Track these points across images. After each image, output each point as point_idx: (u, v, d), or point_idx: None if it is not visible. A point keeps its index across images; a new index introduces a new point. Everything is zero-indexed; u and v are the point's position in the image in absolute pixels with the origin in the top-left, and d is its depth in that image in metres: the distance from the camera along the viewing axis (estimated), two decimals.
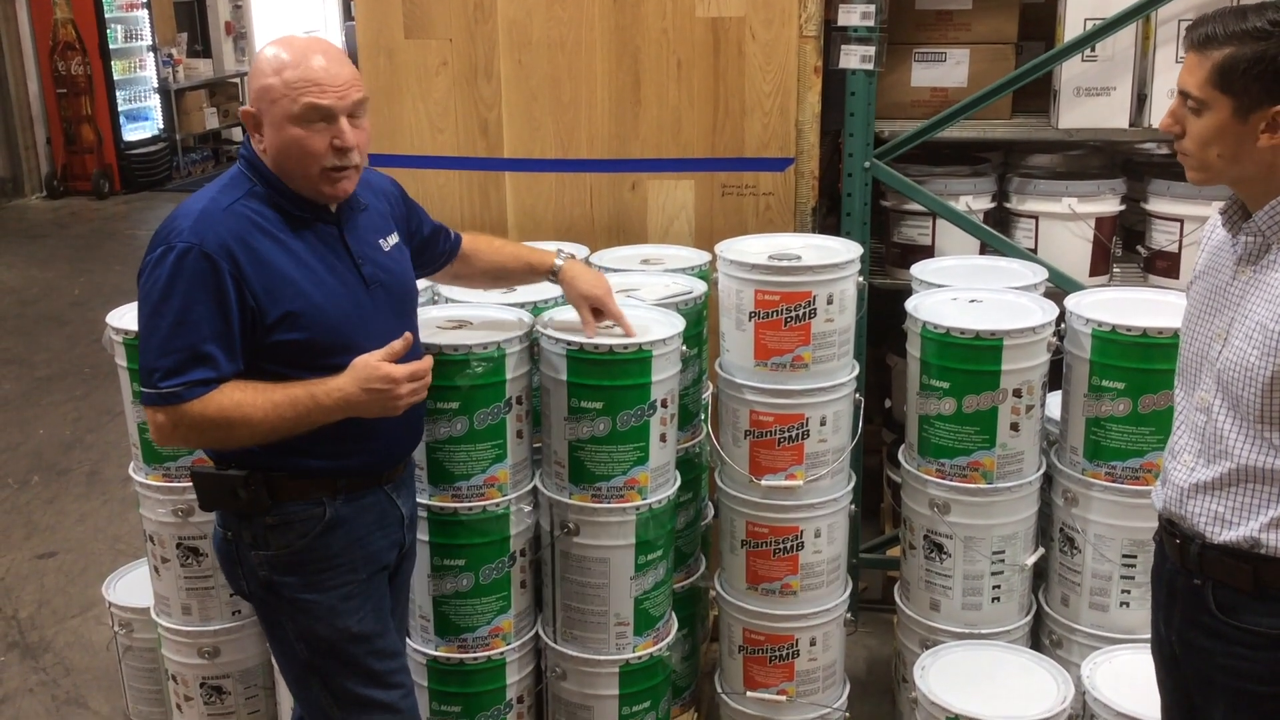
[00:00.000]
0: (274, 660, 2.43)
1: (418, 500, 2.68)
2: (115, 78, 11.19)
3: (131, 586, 3.33)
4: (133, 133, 11.52)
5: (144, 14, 11.67)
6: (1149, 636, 2.78)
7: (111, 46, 11.15)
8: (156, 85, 11.86)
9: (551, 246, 2.77)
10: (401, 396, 2.14)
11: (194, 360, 2.04)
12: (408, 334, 2.17)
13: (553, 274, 2.65)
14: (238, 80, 13.32)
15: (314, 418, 2.11)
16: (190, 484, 2.88)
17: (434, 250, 2.56)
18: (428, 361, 2.22)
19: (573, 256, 2.69)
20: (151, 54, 11.81)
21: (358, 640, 2.30)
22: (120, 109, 11.29)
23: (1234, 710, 1.92)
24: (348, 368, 2.12)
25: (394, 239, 2.37)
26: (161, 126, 11.91)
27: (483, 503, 2.70)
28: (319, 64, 2.09)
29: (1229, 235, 1.92)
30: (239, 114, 2.18)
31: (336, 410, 2.11)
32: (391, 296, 2.28)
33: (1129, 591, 2.87)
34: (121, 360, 2.89)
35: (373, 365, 2.11)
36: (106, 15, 11.09)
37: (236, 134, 12.94)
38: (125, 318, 2.93)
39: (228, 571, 2.34)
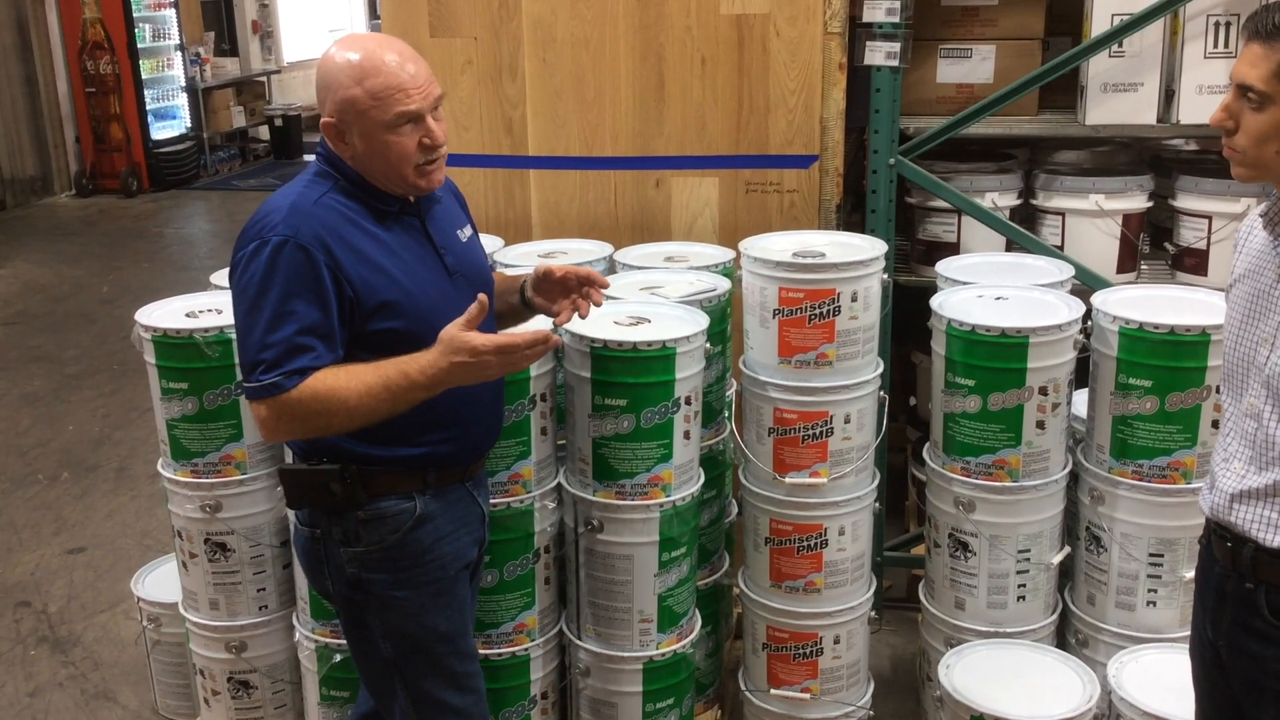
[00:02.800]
0: (354, 662, 2.41)
1: None
2: (143, 77, 11.26)
3: (160, 581, 3.36)
4: (161, 131, 11.60)
5: (172, 13, 11.75)
6: (1176, 636, 2.79)
7: (140, 46, 11.23)
8: (184, 84, 11.94)
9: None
10: (491, 365, 2.08)
11: (294, 351, 2.03)
12: (482, 296, 2.09)
13: (522, 291, 2.46)
14: (264, 79, 13.41)
15: (411, 396, 2.07)
16: (217, 480, 2.93)
17: None
18: (521, 337, 2.08)
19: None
20: (179, 53, 11.89)
21: (443, 639, 2.30)
22: (148, 108, 11.37)
23: None
24: (435, 342, 2.07)
25: (469, 231, 2.38)
26: (189, 125, 11.98)
27: (507, 499, 2.71)
28: (397, 65, 2.08)
29: (1270, 238, 1.88)
30: (320, 126, 2.14)
31: (431, 385, 2.07)
32: (473, 285, 2.28)
33: (1155, 591, 2.86)
34: (150, 357, 2.91)
35: (460, 338, 2.04)
36: (135, 14, 11.16)
37: (263, 132, 13.03)
38: (154, 315, 2.96)
39: (312, 571, 2.33)
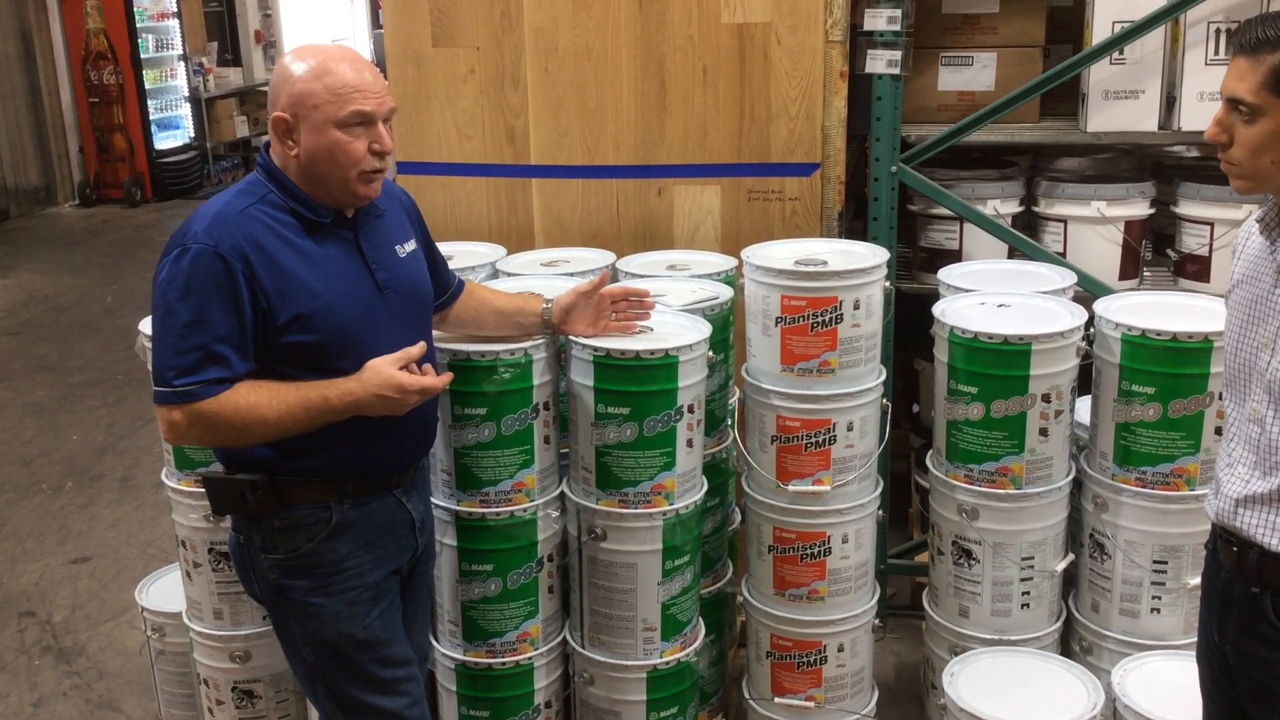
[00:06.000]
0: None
1: (446, 505, 2.70)
2: (147, 86, 11.32)
3: (164, 591, 3.36)
4: (164, 141, 11.64)
5: (175, 23, 11.81)
6: (1180, 643, 2.79)
7: (143, 56, 11.28)
8: (187, 94, 11.99)
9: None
10: (408, 405, 2.20)
11: (209, 359, 2.08)
12: (423, 342, 2.22)
13: (545, 314, 2.62)
14: (267, 89, 13.42)
15: (325, 418, 2.16)
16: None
17: (437, 278, 2.55)
18: (445, 379, 2.28)
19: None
20: (182, 63, 11.94)
21: (363, 647, 2.32)
22: (152, 117, 11.42)
23: None
24: (361, 369, 2.16)
25: (411, 245, 2.40)
26: (192, 135, 12.03)
27: (510, 508, 2.71)
28: (354, 69, 2.15)
29: (1266, 243, 1.89)
30: (269, 120, 2.20)
31: (345, 411, 2.17)
32: (405, 302, 2.31)
33: (1159, 598, 2.85)
34: None
35: (387, 374, 2.16)
36: (138, 25, 11.21)
37: None
38: None
39: (241, 575, 2.38)
